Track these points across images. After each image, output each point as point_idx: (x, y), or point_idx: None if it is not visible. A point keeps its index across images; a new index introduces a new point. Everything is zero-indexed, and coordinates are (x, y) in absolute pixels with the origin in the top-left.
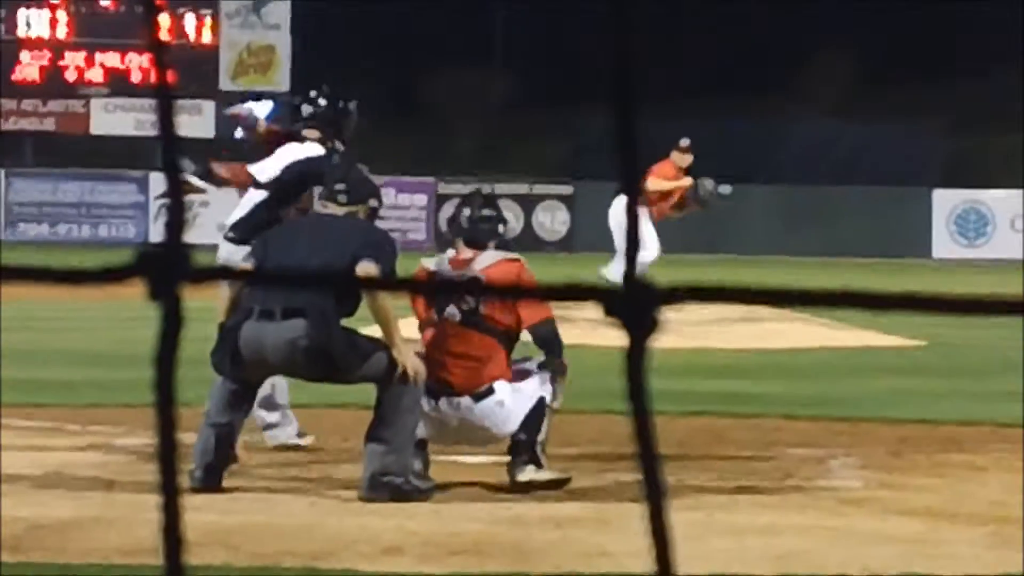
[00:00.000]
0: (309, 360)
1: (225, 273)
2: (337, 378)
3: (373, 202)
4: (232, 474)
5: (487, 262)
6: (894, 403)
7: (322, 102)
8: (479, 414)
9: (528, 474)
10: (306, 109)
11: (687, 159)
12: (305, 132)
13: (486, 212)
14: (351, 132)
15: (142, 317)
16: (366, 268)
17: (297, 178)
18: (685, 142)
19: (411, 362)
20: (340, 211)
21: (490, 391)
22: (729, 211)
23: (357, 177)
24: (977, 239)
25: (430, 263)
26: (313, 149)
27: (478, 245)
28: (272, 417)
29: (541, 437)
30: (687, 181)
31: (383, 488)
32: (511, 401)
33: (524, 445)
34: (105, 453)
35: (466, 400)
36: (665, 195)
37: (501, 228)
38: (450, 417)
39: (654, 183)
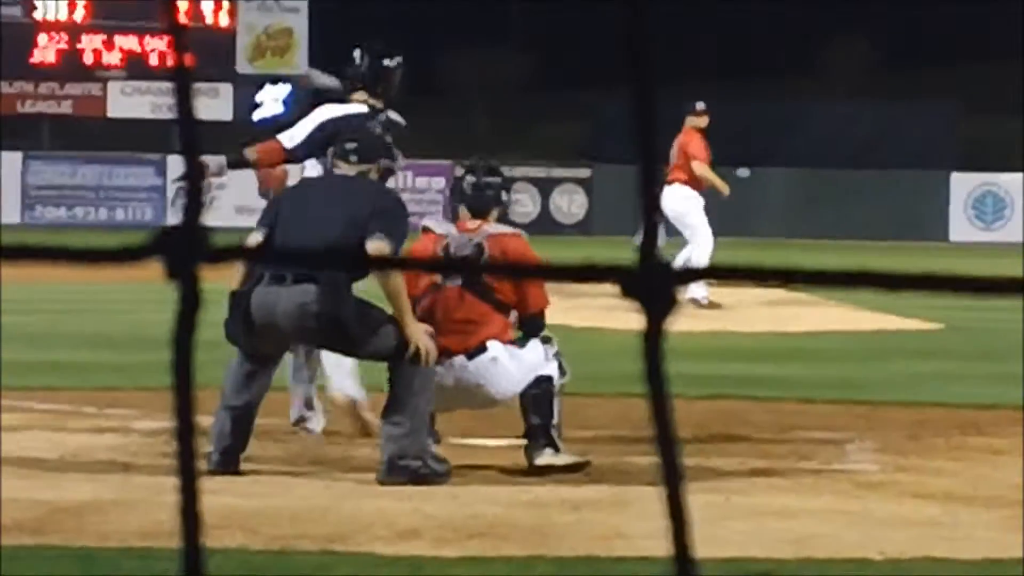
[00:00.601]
0: (320, 326)
1: (242, 253)
2: (348, 347)
3: (386, 162)
4: (249, 457)
5: (494, 229)
6: (912, 386)
7: (364, 60)
8: (473, 371)
9: (546, 458)
10: (348, 70)
11: (703, 121)
12: (353, 96)
13: (490, 179)
14: (395, 91)
15: (159, 300)
16: (378, 247)
17: (332, 136)
18: (700, 105)
19: (422, 340)
20: (351, 171)
21: (483, 348)
22: (747, 194)
23: (369, 135)
24: (994, 222)
25: (436, 226)
26: (354, 108)
27: (482, 213)
28: (308, 414)
29: (555, 420)
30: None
31: (401, 471)
32: (506, 360)
33: (540, 429)
34: (123, 436)
35: (460, 359)
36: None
37: (504, 196)
38: (446, 378)
39: (700, 168)
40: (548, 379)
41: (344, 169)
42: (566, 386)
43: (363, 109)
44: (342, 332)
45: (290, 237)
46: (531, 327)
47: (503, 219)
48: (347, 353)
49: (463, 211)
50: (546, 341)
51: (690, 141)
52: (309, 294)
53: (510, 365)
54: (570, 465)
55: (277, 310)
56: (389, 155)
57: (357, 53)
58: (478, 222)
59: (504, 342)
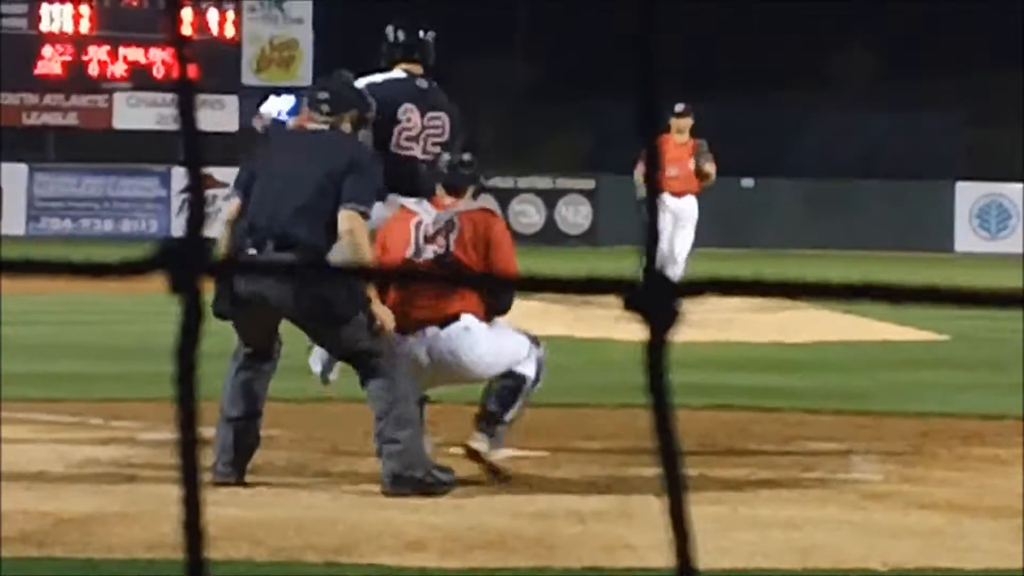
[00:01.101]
0: (300, 297)
1: (246, 266)
2: (330, 324)
3: (356, 112)
4: (254, 468)
5: (466, 206)
6: (916, 396)
7: (397, 33)
8: (445, 339)
9: (480, 444)
10: (384, 47)
11: (686, 123)
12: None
13: (466, 158)
14: (432, 58)
15: (162, 311)
16: (349, 217)
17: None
18: (679, 107)
19: (388, 319)
20: (323, 121)
21: (455, 318)
22: (751, 204)
23: (339, 84)
24: (999, 232)
25: (411, 203)
26: (394, 74)
27: (457, 191)
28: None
29: (509, 416)
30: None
31: (406, 483)
32: (480, 332)
33: (491, 417)
34: (128, 447)
35: (432, 329)
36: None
37: (479, 174)
38: (420, 351)
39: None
40: (523, 378)
41: (318, 121)
42: (532, 396)
43: (402, 75)
44: (324, 304)
45: (266, 201)
46: (499, 301)
47: (477, 196)
48: (329, 329)
49: (439, 189)
50: (535, 343)
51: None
52: (289, 261)
53: (484, 337)
54: (494, 467)
55: (260, 280)
56: (361, 104)
57: (390, 29)
58: (452, 199)
59: (479, 318)
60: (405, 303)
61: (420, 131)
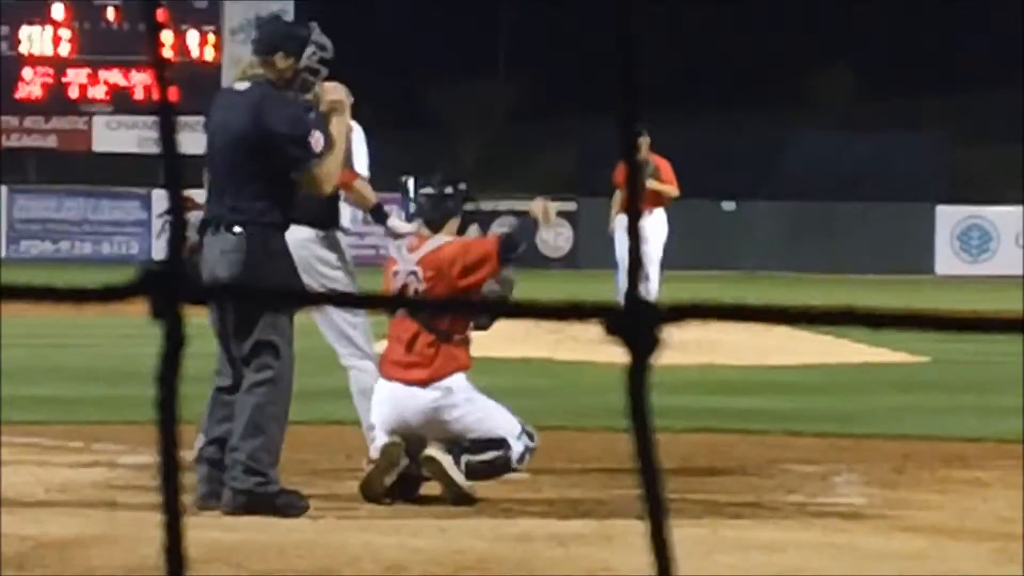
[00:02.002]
0: (237, 278)
1: (228, 292)
2: (248, 312)
3: (292, 58)
4: None
5: (428, 248)
6: (898, 419)
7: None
8: (430, 399)
9: (437, 453)
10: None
11: (641, 142)
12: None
13: (448, 190)
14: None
15: (144, 334)
16: (312, 174)
17: None
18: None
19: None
20: (257, 67)
21: (442, 378)
22: (732, 226)
23: (274, 28)
24: (980, 255)
25: (392, 248)
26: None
27: (435, 226)
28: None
29: (478, 460)
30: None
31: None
32: (465, 393)
33: (459, 449)
34: (108, 470)
35: (415, 388)
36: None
37: (470, 205)
38: (406, 407)
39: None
40: (508, 449)
41: (253, 71)
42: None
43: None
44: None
45: (215, 166)
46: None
47: (466, 229)
48: (240, 325)
49: (419, 224)
50: (529, 435)
51: (659, 166)
52: (229, 242)
53: (470, 397)
54: (453, 485)
55: (208, 260)
56: (294, 48)
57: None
58: (427, 236)
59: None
60: (391, 353)
61: None
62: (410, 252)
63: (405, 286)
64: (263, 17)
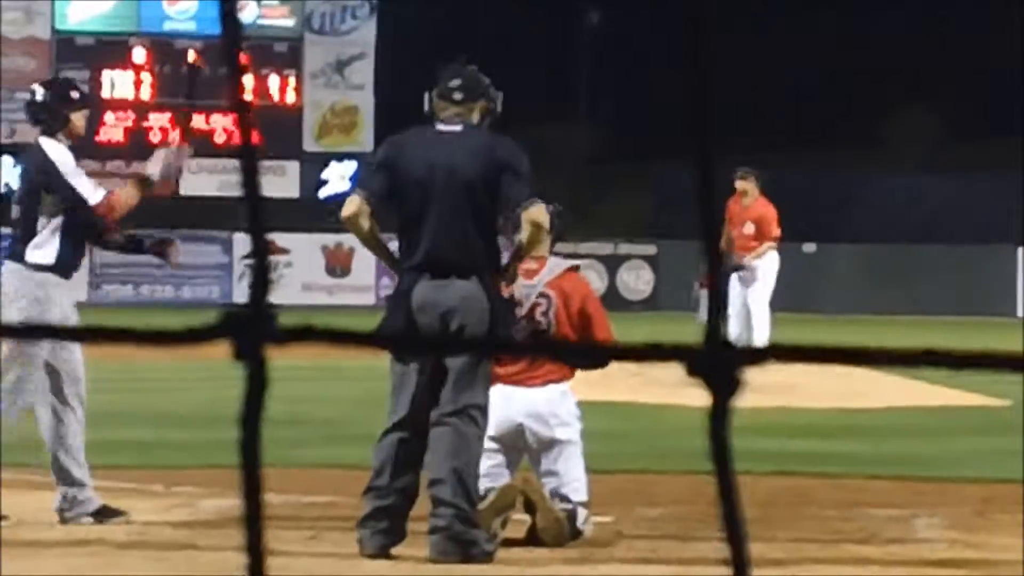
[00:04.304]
0: (475, 322)
1: (310, 334)
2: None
3: (485, 102)
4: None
5: (553, 273)
6: (978, 462)
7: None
8: (543, 402)
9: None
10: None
11: (746, 185)
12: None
13: (551, 208)
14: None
15: (225, 377)
16: (539, 211)
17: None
18: (740, 169)
19: None
20: (454, 110)
21: (551, 382)
22: (813, 269)
23: (471, 73)
24: None
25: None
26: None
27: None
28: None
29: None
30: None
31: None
32: (572, 402)
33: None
34: (189, 514)
35: (523, 390)
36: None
37: (558, 222)
38: (512, 410)
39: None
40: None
41: (449, 110)
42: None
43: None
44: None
45: (418, 217)
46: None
47: (554, 246)
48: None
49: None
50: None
51: (763, 209)
52: (470, 289)
53: (575, 408)
54: (533, 532)
55: (440, 303)
56: (491, 94)
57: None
58: (536, 263)
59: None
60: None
61: None
62: (526, 279)
63: (534, 307)
64: (453, 64)
